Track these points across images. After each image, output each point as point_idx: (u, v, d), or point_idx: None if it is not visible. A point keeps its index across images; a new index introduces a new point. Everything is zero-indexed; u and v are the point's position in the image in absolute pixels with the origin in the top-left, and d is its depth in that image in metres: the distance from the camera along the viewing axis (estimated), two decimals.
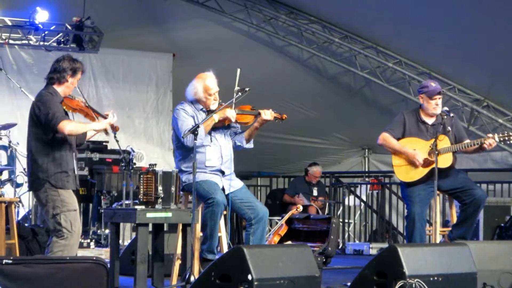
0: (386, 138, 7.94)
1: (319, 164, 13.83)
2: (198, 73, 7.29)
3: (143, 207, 6.95)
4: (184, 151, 7.12)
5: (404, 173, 7.87)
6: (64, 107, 6.62)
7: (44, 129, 6.52)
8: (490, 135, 7.87)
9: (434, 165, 7.58)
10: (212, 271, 5.69)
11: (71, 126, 6.49)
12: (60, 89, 6.65)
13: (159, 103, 13.79)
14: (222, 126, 7.23)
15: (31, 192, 10.33)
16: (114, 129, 6.79)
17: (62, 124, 6.44)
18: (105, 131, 6.74)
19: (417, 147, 7.83)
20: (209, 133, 7.14)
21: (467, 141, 7.91)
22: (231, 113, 7.10)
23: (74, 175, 6.64)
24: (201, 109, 7.21)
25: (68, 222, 6.48)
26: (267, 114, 7.20)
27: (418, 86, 12.62)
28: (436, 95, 7.87)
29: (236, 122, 7.26)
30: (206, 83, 7.17)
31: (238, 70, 7.08)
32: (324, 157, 15.63)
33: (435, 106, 7.87)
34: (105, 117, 6.73)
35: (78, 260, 5.76)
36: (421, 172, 7.78)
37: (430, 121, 7.94)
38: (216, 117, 7.07)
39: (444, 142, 7.80)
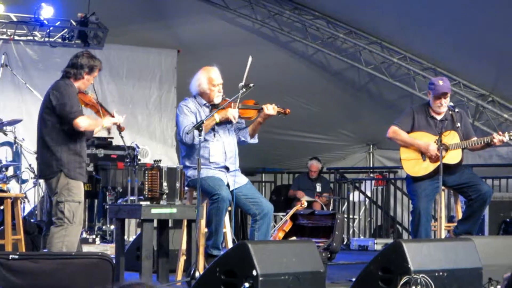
0: (395, 131, 7.88)
1: (318, 159, 13.83)
2: None
3: (148, 203, 6.96)
4: (188, 146, 7.12)
5: (412, 167, 7.82)
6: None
7: (59, 118, 6.53)
8: (501, 133, 7.79)
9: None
10: (217, 267, 5.68)
11: (86, 123, 6.52)
12: (76, 85, 6.67)
13: (162, 99, 13.76)
14: (226, 121, 7.22)
15: (36, 188, 10.38)
16: (120, 129, 6.82)
17: (79, 121, 6.47)
18: (108, 130, 6.77)
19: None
20: (212, 129, 7.13)
21: (475, 138, 7.87)
22: (232, 114, 7.07)
23: (85, 167, 6.67)
24: (204, 104, 7.20)
25: (71, 212, 6.49)
26: (270, 109, 7.18)
27: (423, 82, 12.76)
28: (441, 96, 7.82)
29: (239, 117, 7.24)
30: (210, 75, 7.17)
31: (250, 58, 7.05)
32: (329, 153, 15.63)
33: (440, 105, 7.81)
34: (112, 116, 6.75)
35: (84, 256, 5.77)
36: (429, 167, 7.76)
37: (439, 116, 7.88)
38: (217, 117, 7.04)
39: (454, 138, 7.75)
